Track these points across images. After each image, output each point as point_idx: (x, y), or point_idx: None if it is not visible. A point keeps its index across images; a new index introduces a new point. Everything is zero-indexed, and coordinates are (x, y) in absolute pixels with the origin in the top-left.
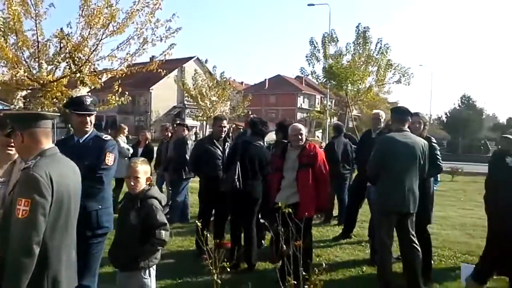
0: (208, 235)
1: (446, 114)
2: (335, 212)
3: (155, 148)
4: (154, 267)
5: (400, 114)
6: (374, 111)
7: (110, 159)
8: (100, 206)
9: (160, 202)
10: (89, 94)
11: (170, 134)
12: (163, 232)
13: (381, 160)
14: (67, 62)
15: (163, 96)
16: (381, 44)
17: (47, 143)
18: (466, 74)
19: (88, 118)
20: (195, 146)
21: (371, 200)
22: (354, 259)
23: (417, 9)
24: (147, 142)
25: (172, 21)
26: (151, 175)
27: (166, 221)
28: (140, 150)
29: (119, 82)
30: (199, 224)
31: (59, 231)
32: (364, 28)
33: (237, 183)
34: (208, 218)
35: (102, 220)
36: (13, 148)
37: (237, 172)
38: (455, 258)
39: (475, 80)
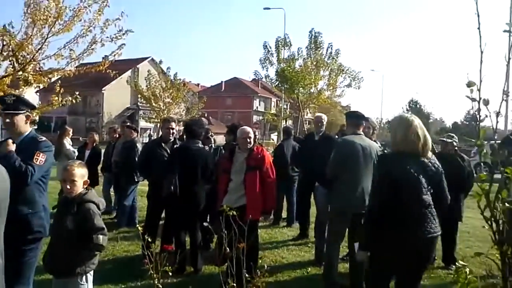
0: (150, 239)
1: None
2: (284, 214)
3: (103, 151)
4: (92, 272)
5: (355, 118)
6: (316, 114)
7: (39, 158)
8: (30, 210)
9: (98, 206)
10: (21, 94)
11: (118, 136)
12: (100, 237)
13: (341, 161)
14: (10, 61)
15: (116, 97)
16: (331, 49)
17: None
18: (415, 79)
19: (10, 118)
20: (143, 149)
21: (318, 201)
22: (299, 260)
23: (369, 15)
24: (94, 144)
25: (121, 19)
26: (98, 178)
27: (103, 226)
28: (87, 153)
29: (60, 82)
30: (140, 228)
31: None
32: (316, 33)
33: (173, 188)
34: (156, 222)
35: (32, 225)
36: None
37: (175, 177)
38: None
39: (423, 85)
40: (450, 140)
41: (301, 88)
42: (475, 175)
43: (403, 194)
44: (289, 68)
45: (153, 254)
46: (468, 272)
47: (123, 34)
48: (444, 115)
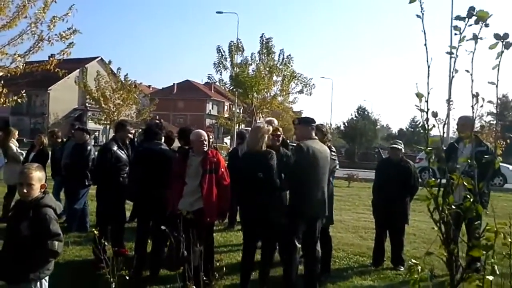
0: (107, 243)
1: (344, 124)
2: (238, 217)
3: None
4: (47, 278)
5: (308, 123)
6: (267, 118)
7: None
8: None
9: (55, 211)
10: None
11: (59, 140)
12: (56, 243)
13: (302, 166)
14: None
15: (62, 98)
16: (283, 55)
17: None
18: (363, 87)
19: None
20: (101, 151)
21: None
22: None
23: (321, 22)
24: (41, 146)
25: (70, 14)
26: (46, 181)
27: (59, 232)
28: (33, 155)
29: (2, 81)
30: (96, 232)
31: None
32: (267, 39)
33: (134, 191)
34: (106, 226)
35: None
36: None
37: (136, 180)
38: (348, 259)
39: (370, 93)
40: (398, 147)
41: (255, 93)
42: (419, 180)
43: None
44: (243, 73)
45: (109, 258)
46: (420, 270)
47: (72, 32)
48: (390, 122)
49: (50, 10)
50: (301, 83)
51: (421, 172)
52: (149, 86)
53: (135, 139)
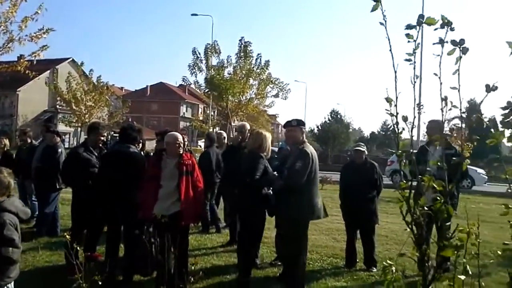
0: (79, 248)
1: (318, 127)
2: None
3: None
4: (12, 285)
5: (304, 125)
6: (239, 123)
7: None
8: None
9: (17, 215)
10: None
11: (30, 141)
12: (10, 249)
13: (311, 171)
14: None
15: (32, 99)
16: (260, 59)
17: None
18: (336, 90)
19: None
20: (69, 155)
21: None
22: (231, 265)
23: (295, 27)
24: (5, 149)
25: (39, 13)
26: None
27: (13, 237)
28: None
29: None
30: (68, 237)
31: None
32: (246, 42)
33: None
34: (82, 230)
35: None
36: None
37: (104, 182)
38: (322, 261)
39: (343, 97)
40: (361, 149)
41: (230, 96)
42: (391, 182)
43: None
44: (218, 76)
45: (81, 263)
46: (394, 271)
47: (44, 32)
48: (363, 125)
49: (21, 10)
50: (276, 87)
51: (392, 174)
52: (122, 88)
53: (109, 142)
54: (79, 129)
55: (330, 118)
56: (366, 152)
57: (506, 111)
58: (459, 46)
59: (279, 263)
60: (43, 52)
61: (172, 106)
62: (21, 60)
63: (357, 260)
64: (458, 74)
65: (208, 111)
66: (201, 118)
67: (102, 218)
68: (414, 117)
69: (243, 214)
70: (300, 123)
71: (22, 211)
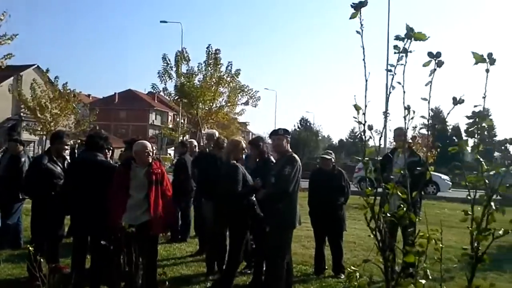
0: (42, 260)
1: None
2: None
3: None
4: None
5: (289, 135)
6: (208, 130)
7: None
8: None
9: None
10: None
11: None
12: None
13: (297, 178)
14: None
15: None
16: (231, 67)
17: None
18: (306, 98)
19: None
20: (32, 164)
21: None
22: (200, 275)
23: (264, 34)
24: None
25: (3, 19)
26: None
27: None
28: None
29: None
30: (31, 248)
31: None
32: (216, 50)
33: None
34: (43, 241)
35: None
36: None
37: (70, 192)
38: None
39: (313, 104)
40: (329, 157)
41: (200, 104)
42: (358, 189)
43: None
44: (188, 83)
45: (45, 276)
46: (358, 276)
47: (8, 39)
48: (332, 133)
49: None
50: (246, 95)
51: (360, 181)
52: (89, 95)
53: (75, 150)
54: (44, 137)
55: (299, 126)
56: (334, 160)
57: (471, 120)
58: (434, 58)
59: (248, 271)
60: (7, 60)
61: (141, 114)
62: None
63: (326, 267)
64: (430, 86)
65: (178, 119)
66: (170, 126)
67: (63, 229)
68: (384, 126)
69: (231, 224)
70: (286, 132)
71: None
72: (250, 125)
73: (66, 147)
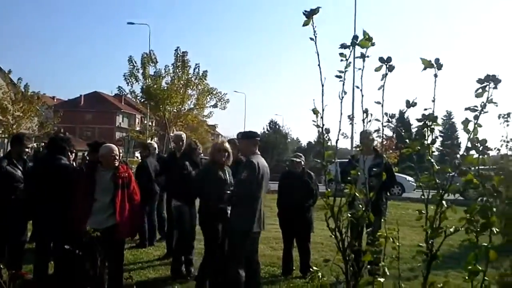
0: (2, 266)
1: None
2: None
3: None
4: None
5: (252, 138)
6: (176, 132)
7: None
8: None
9: None
10: None
11: None
12: None
13: (256, 183)
14: None
15: None
16: (198, 69)
17: None
18: (274, 101)
19: None
20: None
21: (185, 219)
22: (168, 278)
23: (231, 37)
24: None
25: None
26: None
27: None
28: None
29: None
30: None
31: None
32: (183, 52)
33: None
34: (4, 247)
35: None
36: None
37: (31, 196)
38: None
39: (281, 107)
40: (298, 160)
41: (167, 106)
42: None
43: None
44: (155, 86)
45: (5, 282)
46: (320, 277)
47: None
48: (300, 135)
49: None
50: (215, 97)
51: (328, 183)
52: (54, 97)
53: (37, 154)
54: (5, 140)
55: (268, 129)
56: (303, 162)
57: (421, 123)
58: (385, 63)
59: None
60: None
61: (107, 116)
62: None
63: (293, 268)
64: (383, 90)
65: (145, 121)
66: (138, 129)
67: (25, 234)
68: (340, 129)
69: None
70: (245, 136)
71: None
72: (219, 127)
73: (27, 149)
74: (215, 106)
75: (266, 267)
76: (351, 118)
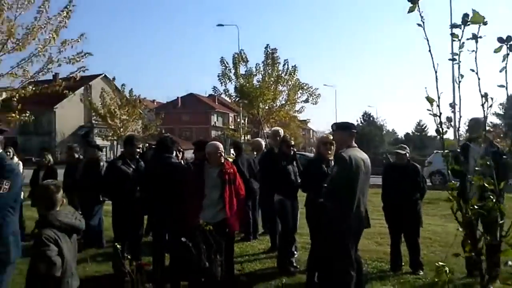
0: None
1: None
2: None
3: (60, 171)
4: None
5: (348, 129)
6: (273, 128)
7: (3, 186)
8: None
9: (60, 228)
10: None
11: (77, 156)
12: (45, 265)
13: (350, 179)
14: None
15: (68, 116)
16: (288, 65)
17: None
18: (367, 92)
19: None
20: (108, 168)
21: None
22: (274, 272)
23: (321, 30)
24: (49, 164)
25: (79, 41)
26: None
27: (48, 254)
28: (41, 174)
29: (16, 99)
30: (118, 246)
31: None
32: (273, 49)
33: (146, 206)
34: (124, 241)
35: None
36: None
37: (148, 194)
38: (367, 265)
39: (375, 98)
40: (403, 152)
41: (260, 103)
42: (429, 183)
43: None
44: (248, 84)
45: (129, 273)
46: (448, 272)
47: (82, 56)
48: (396, 127)
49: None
50: (306, 93)
51: (430, 176)
52: (154, 101)
53: (144, 154)
54: (115, 142)
55: (362, 121)
56: (408, 154)
57: None
58: (506, 43)
59: None
60: (80, 73)
61: (203, 116)
62: (58, 79)
63: (402, 264)
64: (506, 71)
65: (238, 120)
66: (232, 127)
67: (142, 228)
68: (461, 116)
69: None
70: (339, 127)
71: (68, 223)
72: (311, 122)
73: (138, 150)
74: (306, 101)
75: (373, 262)
76: (452, 106)
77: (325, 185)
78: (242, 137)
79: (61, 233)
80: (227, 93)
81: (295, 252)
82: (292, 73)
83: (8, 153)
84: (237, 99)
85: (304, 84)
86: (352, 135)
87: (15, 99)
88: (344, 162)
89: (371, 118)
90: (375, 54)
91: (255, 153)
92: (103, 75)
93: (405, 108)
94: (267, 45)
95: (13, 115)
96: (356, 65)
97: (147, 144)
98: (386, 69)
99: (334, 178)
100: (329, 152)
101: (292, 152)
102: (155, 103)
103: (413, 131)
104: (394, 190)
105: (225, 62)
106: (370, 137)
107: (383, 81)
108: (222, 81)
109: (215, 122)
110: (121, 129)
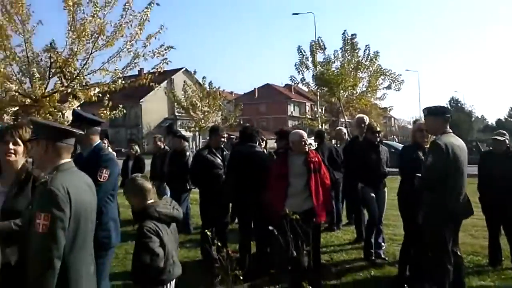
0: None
1: None
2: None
3: (147, 162)
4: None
5: (442, 114)
6: (358, 115)
7: (103, 174)
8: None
9: (159, 219)
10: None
11: (163, 146)
12: (148, 256)
13: (448, 168)
14: (58, 77)
15: (153, 108)
16: (369, 50)
17: (66, 158)
18: (452, 77)
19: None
20: (195, 157)
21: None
22: (361, 263)
23: (400, 14)
24: (136, 154)
25: (161, 32)
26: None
27: (150, 246)
28: (130, 164)
29: (108, 95)
30: (209, 233)
31: (78, 245)
32: (352, 35)
33: (231, 195)
34: (212, 228)
35: (97, 235)
36: (12, 155)
37: (232, 182)
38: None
39: (461, 84)
40: (502, 138)
41: (341, 91)
42: None
43: None
44: (328, 71)
45: (223, 259)
46: None
47: (165, 49)
48: (486, 113)
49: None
50: (388, 79)
51: None
52: (232, 93)
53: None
54: (197, 133)
55: (449, 107)
56: (508, 141)
57: None
58: None
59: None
60: (164, 65)
61: (279, 106)
62: (144, 73)
63: (503, 258)
64: None
65: (315, 109)
66: (309, 116)
67: (227, 215)
68: None
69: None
70: (430, 112)
71: (167, 214)
72: (394, 110)
73: (223, 139)
74: (388, 87)
75: (468, 256)
76: None
77: (419, 175)
78: (320, 126)
79: (161, 224)
80: (304, 82)
81: (383, 244)
82: (374, 59)
83: (104, 144)
84: (316, 88)
85: (387, 70)
86: (447, 120)
87: (106, 97)
88: (440, 150)
89: (459, 104)
90: (457, 37)
91: (338, 143)
92: (184, 68)
93: (496, 92)
94: (345, 31)
95: (105, 111)
96: (439, 48)
97: (226, 135)
98: (471, 52)
99: (430, 168)
100: (426, 139)
101: (378, 139)
102: (233, 95)
103: (506, 117)
104: (493, 180)
105: (302, 51)
106: (458, 124)
107: (470, 65)
108: (299, 70)
109: (292, 112)
110: (203, 121)
